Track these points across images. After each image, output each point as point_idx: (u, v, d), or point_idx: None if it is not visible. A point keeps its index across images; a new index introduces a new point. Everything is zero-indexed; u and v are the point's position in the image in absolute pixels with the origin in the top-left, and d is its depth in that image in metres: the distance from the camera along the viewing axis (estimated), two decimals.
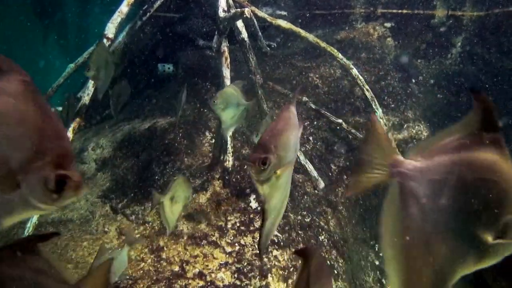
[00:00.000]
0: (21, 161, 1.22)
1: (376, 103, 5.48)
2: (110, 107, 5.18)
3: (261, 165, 1.79)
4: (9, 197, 1.24)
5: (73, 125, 4.24)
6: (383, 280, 5.33)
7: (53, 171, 1.23)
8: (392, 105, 6.49)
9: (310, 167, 5.06)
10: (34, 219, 3.79)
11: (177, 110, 4.91)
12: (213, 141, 5.22)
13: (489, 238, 1.25)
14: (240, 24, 5.38)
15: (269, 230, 1.91)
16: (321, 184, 5.01)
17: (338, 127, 5.57)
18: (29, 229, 3.75)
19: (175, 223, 3.45)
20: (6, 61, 1.32)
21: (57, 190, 1.24)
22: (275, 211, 1.92)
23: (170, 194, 3.34)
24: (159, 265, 3.96)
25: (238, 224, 4.40)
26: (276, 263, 4.16)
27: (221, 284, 3.81)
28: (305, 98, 5.54)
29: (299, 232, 4.59)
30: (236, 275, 3.91)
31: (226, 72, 4.87)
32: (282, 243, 4.35)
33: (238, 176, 4.85)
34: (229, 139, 4.58)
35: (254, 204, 4.60)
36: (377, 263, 5.44)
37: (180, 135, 5.35)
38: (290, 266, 4.20)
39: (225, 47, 5.05)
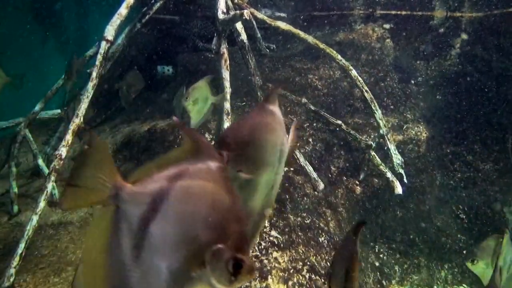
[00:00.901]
0: (210, 241, 1.26)
1: (376, 104, 5.49)
2: (121, 99, 5.09)
3: None
4: (194, 275, 1.26)
5: (72, 127, 4.23)
6: (383, 282, 5.33)
7: (234, 254, 1.26)
8: (392, 106, 6.49)
9: (309, 168, 5.06)
10: (34, 221, 3.78)
11: (178, 111, 4.90)
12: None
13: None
14: (239, 26, 5.38)
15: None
16: (321, 186, 5.01)
17: (337, 129, 5.58)
18: (28, 231, 3.74)
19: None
20: (205, 145, 1.35)
21: (234, 273, 1.26)
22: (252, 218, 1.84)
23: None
24: None
25: None
26: (276, 264, 4.15)
27: None
28: (304, 100, 5.54)
29: (299, 233, 4.59)
30: None
31: (226, 74, 4.87)
32: (282, 245, 4.35)
33: None
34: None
35: None
36: (377, 264, 5.43)
37: (180, 137, 5.35)
38: (290, 267, 4.19)
39: (224, 49, 5.05)
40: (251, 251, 2.02)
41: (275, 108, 1.93)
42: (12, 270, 3.54)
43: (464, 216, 6.02)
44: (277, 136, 1.87)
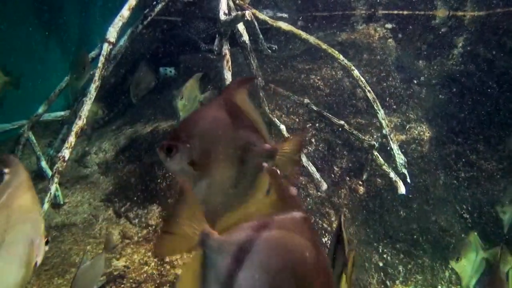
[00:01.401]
0: None
1: (378, 104, 5.48)
2: (131, 94, 5.06)
3: (166, 152, 1.69)
4: None
5: (75, 129, 4.24)
6: (387, 282, 5.31)
7: None
8: (394, 106, 6.48)
9: (312, 169, 5.06)
10: None
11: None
12: None
13: None
14: (241, 26, 5.38)
15: None
16: (324, 186, 5.00)
17: (340, 129, 5.57)
18: None
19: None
20: (290, 195, 1.34)
21: None
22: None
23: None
24: (162, 269, 3.95)
25: None
26: None
27: None
28: (307, 100, 5.54)
29: None
30: None
31: (228, 75, 4.87)
32: None
33: None
34: None
35: None
36: (381, 264, 5.42)
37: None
38: None
39: (226, 50, 5.06)
40: None
41: (237, 102, 1.83)
42: None
43: (467, 216, 6.00)
44: (233, 130, 1.78)
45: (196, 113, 1.81)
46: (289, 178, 1.93)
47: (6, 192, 1.66)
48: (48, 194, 3.91)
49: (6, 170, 1.65)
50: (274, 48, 6.36)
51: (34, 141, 5.50)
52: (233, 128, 1.77)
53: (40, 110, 5.60)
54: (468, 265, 3.98)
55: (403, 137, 6.13)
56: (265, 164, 1.83)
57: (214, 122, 1.76)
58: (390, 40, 6.87)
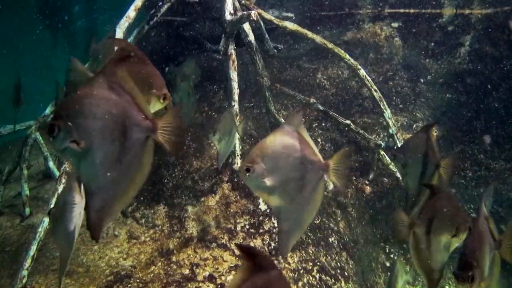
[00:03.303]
0: None
1: (385, 103, 5.46)
2: (174, 90, 4.85)
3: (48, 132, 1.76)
4: None
5: None
6: None
7: None
8: (401, 105, 6.45)
9: None
10: (46, 223, 3.82)
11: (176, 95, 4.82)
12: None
13: None
14: (247, 26, 5.39)
15: None
16: (330, 186, 4.99)
17: (346, 128, 5.55)
18: (40, 233, 3.78)
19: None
20: (262, 256, 1.42)
21: None
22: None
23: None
24: (169, 268, 3.97)
25: (247, 227, 4.41)
26: (286, 265, 4.15)
27: None
28: (313, 100, 5.53)
29: (309, 234, 4.58)
30: None
31: (234, 75, 4.88)
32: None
33: None
34: (237, 141, 4.58)
35: (263, 207, 4.59)
36: (387, 264, 5.40)
37: (189, 138, 5.37)
38: (300, 268, 4.18)
39: (232, 50, 5.06)
40: None
41: (118, 79, 1.89)
42: (25, 272, 3.58)
43: (475, 215, 5.95)
44: (113, 106, 1.84)
45: (78, 92, 1.82)
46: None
47: None
48: (56, 195, 3.94)
49: None
50: (280, 48, 6.35)
51: (42, 141, 5.54)
52: (113, 104, 1.83)
53: (47, 111, 5.64)
54: None
55: (410, 136, 6.10)
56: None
57: (94, 99, 1.79)
58: (396, 39, 6.84)
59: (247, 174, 2.13)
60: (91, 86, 1.82)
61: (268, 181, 2.15)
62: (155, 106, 2.51)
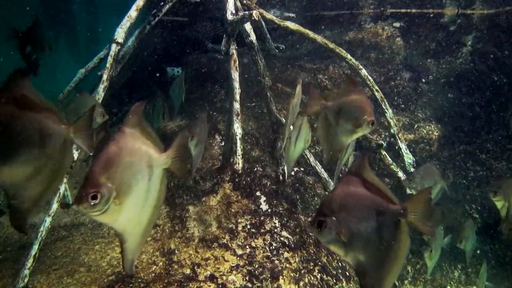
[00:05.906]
0: None
1: (386, 103, 5.45)
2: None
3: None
4: None
5: None
6: (396, 282, 5.29)
7: None
8: (402, 105, 6.45)
9: (320, 168, 5.05)
10: (47, 223, 3.83)
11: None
12: (223, 143, 5.23)
13: None
14: (248, 26, 5.39)
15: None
16: (331, 185, 4.99)
17: None
18: (42, 233, 3.79)
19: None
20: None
21: None
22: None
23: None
24: (170, 268, 3.97)
25: (248, 227, 4.40)
26: (287, 265, 4.15)
27: (232, 287, 3.81)
28: None
29: (310, 234, 4.58)
30: (247, 278, 3.91)
31: (235, 75, 4.88)
32: (293, 245, 4.34)
33: (248, 179, 4.85)
34: (238, 141, 4.58)
35: (264, 207, 4.59)
36: None
37: None
38: (302, 268, 4.18)
39: (233, 50, 5.06)
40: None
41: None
42: (26, 271, 3.58)
43: (477, 215, 5.94)
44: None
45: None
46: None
47: None
48: (57, 194, 3.94)
49: None
50: (281, 48, 6.35)
51: None
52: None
53: None
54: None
55: (411, 136, 6.10)
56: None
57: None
58: (398, 39, 6.83)
59: (319, 230, 2.05)
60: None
61: (342, 236, 2.05)
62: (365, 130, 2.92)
